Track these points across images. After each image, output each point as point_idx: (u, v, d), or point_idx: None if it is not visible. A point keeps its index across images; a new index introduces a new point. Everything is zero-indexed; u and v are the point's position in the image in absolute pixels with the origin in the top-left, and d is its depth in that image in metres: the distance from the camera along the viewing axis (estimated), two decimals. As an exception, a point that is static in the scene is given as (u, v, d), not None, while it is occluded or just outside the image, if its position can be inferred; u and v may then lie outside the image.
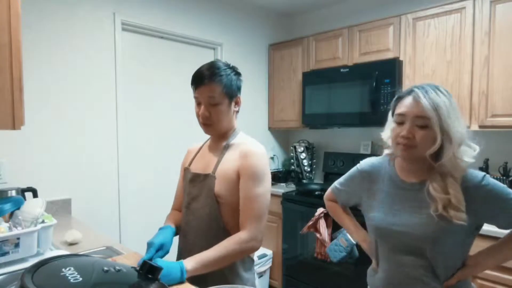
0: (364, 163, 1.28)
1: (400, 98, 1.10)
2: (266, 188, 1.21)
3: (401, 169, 1.16)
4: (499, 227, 1.05)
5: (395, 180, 1.15)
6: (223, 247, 1.14)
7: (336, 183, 1.38)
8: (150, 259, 1.13)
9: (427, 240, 1.04)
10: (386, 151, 1.23)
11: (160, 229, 1.29)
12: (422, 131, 1.01)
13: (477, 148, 1.05)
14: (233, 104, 1.27)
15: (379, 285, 1.18)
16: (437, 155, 1.03)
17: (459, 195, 1.00)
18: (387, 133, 1.16)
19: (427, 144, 1.01)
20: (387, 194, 1.16)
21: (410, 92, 1.06)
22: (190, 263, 1.09)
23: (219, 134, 1.30)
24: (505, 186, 1.04)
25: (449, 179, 1.02)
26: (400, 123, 1.06)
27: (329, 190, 1.40)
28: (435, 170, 1.04)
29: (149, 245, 1.18)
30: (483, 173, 1.04)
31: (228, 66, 1.26)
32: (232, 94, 1.24)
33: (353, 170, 1.32)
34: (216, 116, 1.23)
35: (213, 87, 1.19)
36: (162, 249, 1.19)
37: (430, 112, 0.99)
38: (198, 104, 1.25)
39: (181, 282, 1.05)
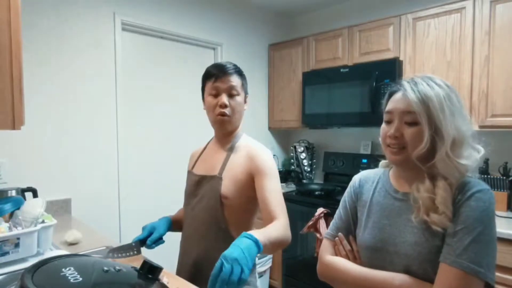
0: (356, 176, 1.11)
1: (391, 95, 0.96)
2: (280, 186, 1.22)
3: (395, 177, 1.00)
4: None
5: (387, 189, 0.99)
6: (280, 230, 1.05)
7: (328, 230, 1.11)
8: (144, 239, 1.24)
9: (422, 261, 0.86)
10: (382, 163, 1.08)
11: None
12: (411, 128, 0.87)
13: (482, 150, 0.89)
14: (244, 101, 1.30)
15: None
16: (430, 158, 0.87)
17: (447, 196, 0.84)
18: None
19: (418, 144, 0.86)
20: (376, 205, 0.99)
21: (399, 86, 0.94)
22: (260, 236, 0.95)
23: (230, 130, 1.29)
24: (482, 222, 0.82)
25: (440, 181, 0.86)
26: (388, 122, 0.94)
27: (322, 246, 1.08)
28: (425, 172, 0.88)
29: (142, 229, 1.29)
30: (482, 188, 0.85)
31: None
32: (246, 91, 1.30)
33: (345, 194, 1.11)
34: (235, 106, 1.24)
35: (236, 78, 1.25)
36: (155, 231, 1.27)
37: (417, 105, 0.85)
38: (215, 96, 1.24)
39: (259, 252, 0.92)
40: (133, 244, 1.21)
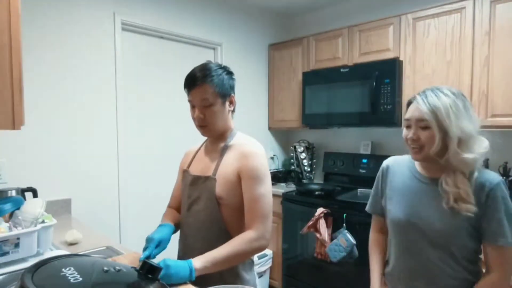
0: (386, 160, 1.39)
1: (409, 104, 1.23)
2: (268, 188, 1.22)
3: (419, 164, 1.27)
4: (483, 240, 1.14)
5: (414, 172, 1.27)
6: (232, 245, 1.14)
7: (368, 206, 1.45)
8: (149, 256, 1.14)
9: (446, 234, 1.14)
10: None
11: (160, 225, 1.30)
12: (425, 132, 1.14)
13: (486, 141, 1.14)
14: (227, 103, 1.27)
15: (396, 274, 1.27)
16: (444, 153, 1.12)
17: (467, 188, 1.11)
18: None
19: (432, 144, 1.12)
20: (406, 185, 1.26)
21: (414, 98, 1.20)
22: (199, 261, 1.08)
23: (216, 135, 1.30)
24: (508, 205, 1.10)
25: (458, 174, 1.12)
26: (407, 127, 1.21)
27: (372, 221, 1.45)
28: (447, 166, 1.14)
29: (148, 240, 1.19)
30: (497, 180, 1.12)
31: (219, 66, 1.27)
32: (225, 93, 1.24)
33: (377, 175, 1.41)
34: (211, 117, 1.23)
35: (205, 89, 1.20)
36: (160, 246, 1.20)
37: (428, 115, 1.11)
38: (193, 107, 1.26)
39: (190, 280, 1.05)
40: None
